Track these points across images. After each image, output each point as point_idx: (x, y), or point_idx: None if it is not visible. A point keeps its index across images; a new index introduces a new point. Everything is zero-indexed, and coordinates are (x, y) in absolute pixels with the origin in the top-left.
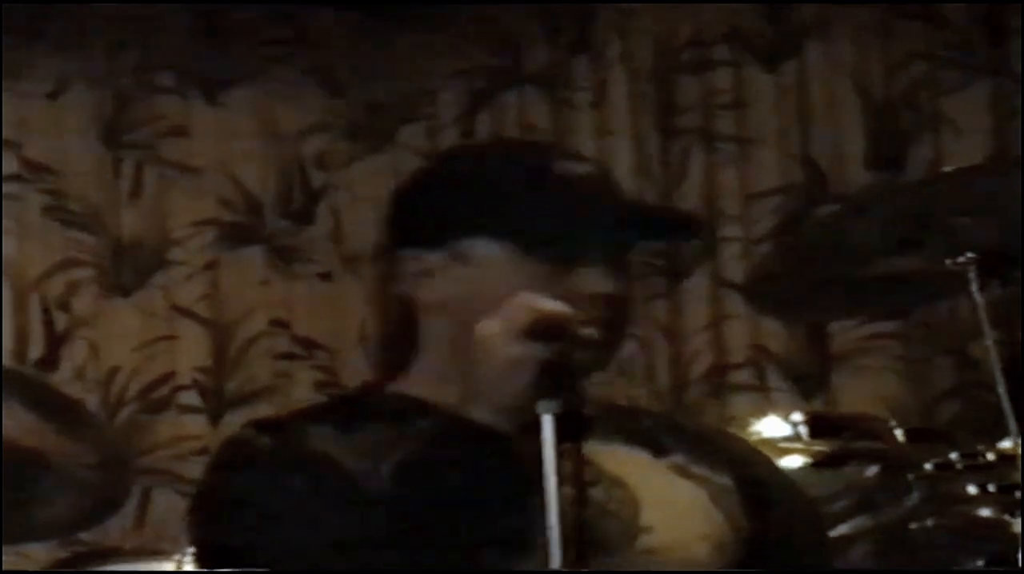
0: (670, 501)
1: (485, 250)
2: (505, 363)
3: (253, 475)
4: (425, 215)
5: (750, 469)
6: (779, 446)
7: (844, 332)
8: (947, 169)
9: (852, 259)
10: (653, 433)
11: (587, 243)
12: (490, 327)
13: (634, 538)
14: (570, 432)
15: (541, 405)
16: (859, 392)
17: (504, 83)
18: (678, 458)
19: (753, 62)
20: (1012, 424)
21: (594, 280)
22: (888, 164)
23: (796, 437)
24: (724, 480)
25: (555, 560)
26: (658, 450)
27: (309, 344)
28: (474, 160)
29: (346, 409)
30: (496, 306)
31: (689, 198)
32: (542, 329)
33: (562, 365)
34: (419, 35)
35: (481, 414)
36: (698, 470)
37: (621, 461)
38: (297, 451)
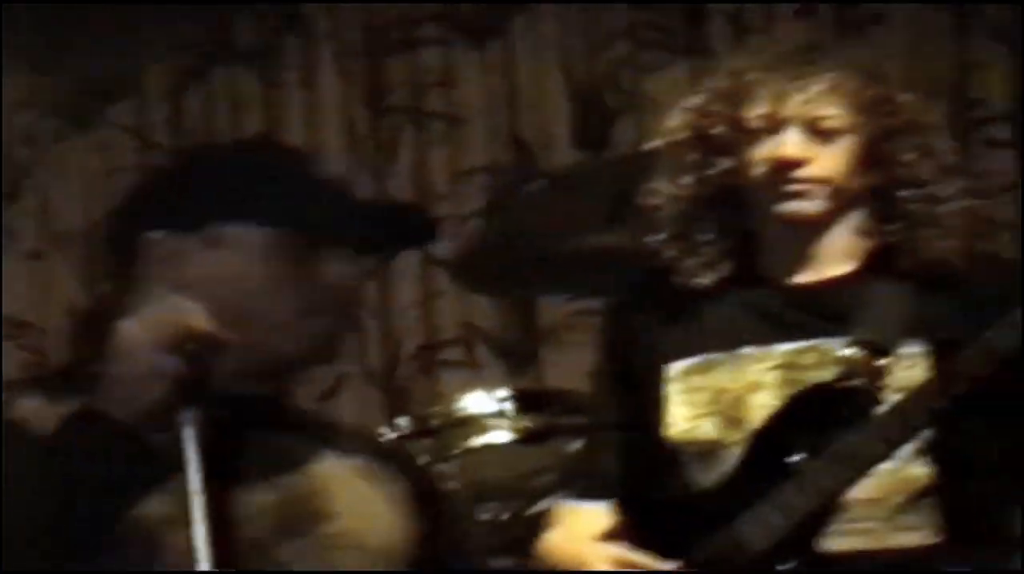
0: (354, 494)
1: (239, 234)
2: (144, 370)
3: None
4: (177, 201)
5: (423, 483)
6: (485, 422)
7: (552, 308)
8: (649, 147)
9: (559, 236)
10: (336, 437)
11: (333, 236)
12: (132, 330)
13: (320, 523)
14: (213, 438)
15: (181, 415)
16: (567, 367)
17: (213, 61)
18: (360, 461)
19: (461, 40)
20: None
21: (337, 270)
22: (593, 142)
23: (502, 413)
24: (398, 487)
25: (202, 561)
26: (342, 452)
27: (16, 323)
28: (222, 153)
29: (57, 380)
30: (248, 289)
31: (400, 176)
32: (182, 341)
33: (201, 376)
34: (126, 11)
35: (119, 411)
36: (378, 473)
37: (308, 455)
38: None
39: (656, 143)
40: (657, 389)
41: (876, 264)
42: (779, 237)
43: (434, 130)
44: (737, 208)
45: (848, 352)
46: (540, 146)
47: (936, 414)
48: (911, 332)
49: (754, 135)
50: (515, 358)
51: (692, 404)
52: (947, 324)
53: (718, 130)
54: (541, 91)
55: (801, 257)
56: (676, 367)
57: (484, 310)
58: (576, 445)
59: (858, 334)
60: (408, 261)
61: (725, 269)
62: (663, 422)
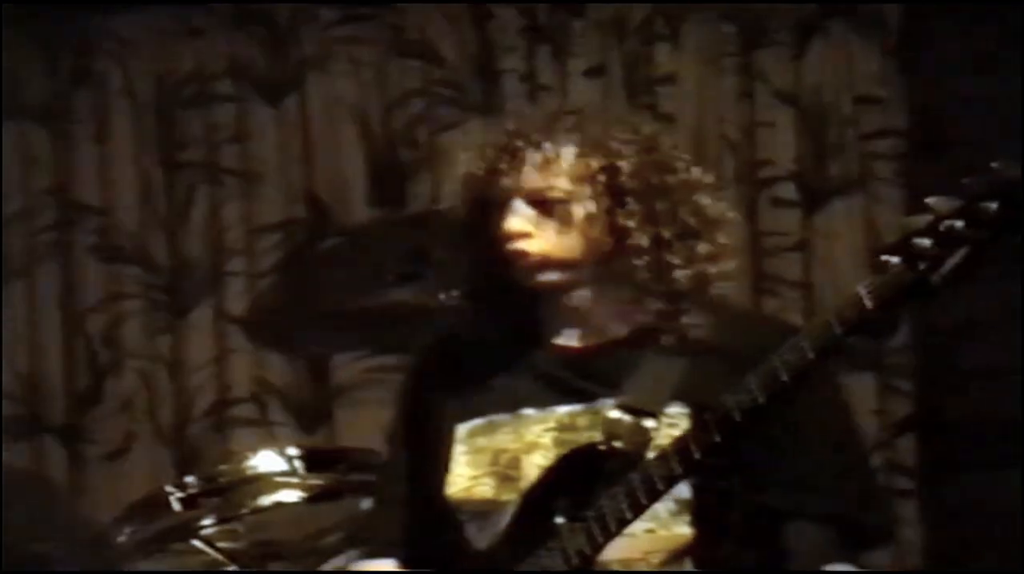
0: None
1: None
2: None
3: None
4: None
5: None
6: (275, 481)
7: (346, 365)
8: (443, 205)
9: (354, 293)
10: None
11: None
12: None
13: None
14: None
15: None
16: (361, 425)
17: (2, 116)
18: None
19: (255, 96)
20: None
21: None
22: (389, 199)
23: (292, 472)
24: None
25: None
26: None
27: None
28: None
29: None
30: None
31: (194, 233)
32: None
33: None
34: None
35: None
36: None
37: None
38: None
39: (441, 206)
40: (446, 449)
41: (639, 333)
42: (550, 303)
43: (228, 186)
44: (512, 273)
45: (615, 415)
46: (335, 203)
47: (677, 477)
48: (677, 395)
49: (499, 207)
50: (308, 416)
51: (474, 464)
52: (710, 386)
53: (477, 200)
54: (336, 148)
55: (574, 322)
56: (463, 428)
57: (277, 367)
58: (367, 504)
59: (626, 397)
60: (203, 317)
61: (510, 331)
62: (447, 482)
